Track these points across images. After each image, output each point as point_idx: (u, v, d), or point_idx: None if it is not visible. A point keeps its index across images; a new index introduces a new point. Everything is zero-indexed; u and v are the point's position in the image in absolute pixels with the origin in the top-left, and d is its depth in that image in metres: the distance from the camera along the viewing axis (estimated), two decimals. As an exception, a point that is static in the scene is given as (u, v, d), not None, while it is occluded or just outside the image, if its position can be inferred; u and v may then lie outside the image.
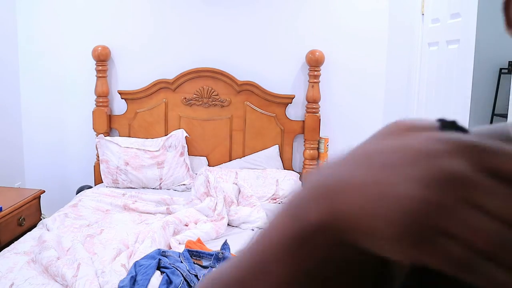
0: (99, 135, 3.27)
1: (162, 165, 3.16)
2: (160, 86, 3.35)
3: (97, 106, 3.37)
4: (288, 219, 0.35)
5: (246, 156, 3.38)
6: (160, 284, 1.71)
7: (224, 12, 3.36)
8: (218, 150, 3.40)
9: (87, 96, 3.43)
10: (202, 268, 1.91)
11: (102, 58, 3.30)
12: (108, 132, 3.40)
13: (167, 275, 1.76)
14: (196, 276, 1.81)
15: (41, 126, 3.53)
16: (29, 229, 2.53)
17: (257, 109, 3.35)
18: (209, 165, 3.35)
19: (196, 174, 3.16)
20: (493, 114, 3.85)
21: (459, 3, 2.38)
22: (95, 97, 3.37)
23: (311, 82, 3.28)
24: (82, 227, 2.43)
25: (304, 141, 3.38)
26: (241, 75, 3.35)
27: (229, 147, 3.40)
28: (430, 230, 0.28)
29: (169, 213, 2.65)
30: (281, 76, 3.40)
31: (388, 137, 0.35)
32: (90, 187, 3.30)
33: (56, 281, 1.86)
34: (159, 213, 2.69)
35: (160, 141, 3.25)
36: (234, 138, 3.39)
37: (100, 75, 3.33)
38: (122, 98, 3.40)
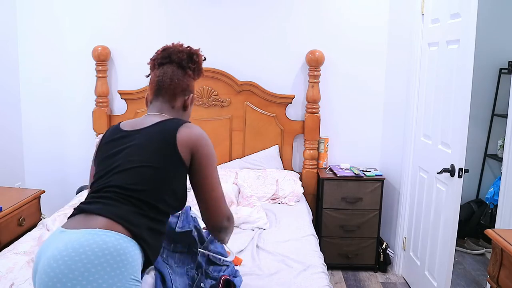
0: (99, 135, 3.27)
1: (162, 165, 3.16)
2: (160, 86, 3.34)
3: (97, 106, 3.37)
4: None
5: (246, 156, 3.38)
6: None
7: (224, 13, 3.36)
8: (218, 150, 3.40)
9: (87, 96, 3.43)
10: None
11: (102, 58, 3.30)
12: (108, 132, 3.39)
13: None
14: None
15: (41, 126, 3.53)
16: (29, 229, 2.53)
17: (257, 109, 3.35)
18: (209, 165, 3.34)
19: (196, 174, 3.16)
20: (493, 114, 3.84)
21: (459, 3, 2.38)
22: (95, 97, 3.37)
23: (311, 82, 3.28)
24: (82, 227, 2.43)
25: (304, 141, 3.38)
26: (241, 75, 3.35)
27: (229, 147, 3.40)
28: None
29: (169, 213, 2.65)
30: (281, 76, 3.40)
31: None
32: (90, 187, 3.30)
33: (56, 281, 1.86)
34: (159, 213, 2.69)
35: (160, 141, 3.24)
36: (234, 138, 3.39)
37: (100, 75, 3.34)
38: (122, 98, 3.40)
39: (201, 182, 1.50)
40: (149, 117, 1.58)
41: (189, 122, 1.59)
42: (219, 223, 1.51)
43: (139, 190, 1.40)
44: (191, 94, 1.67)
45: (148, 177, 1.42)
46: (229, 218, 1.54)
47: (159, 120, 1.53)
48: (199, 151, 1.48)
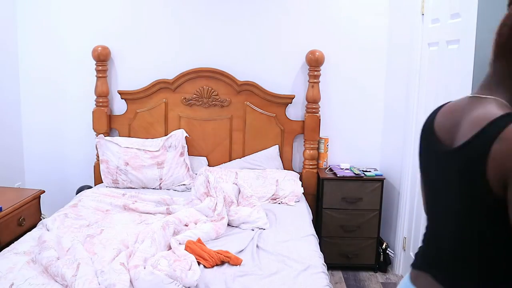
0: (99, 135, 3.27)
1: (162, 165, 3.16)
2: (160, 86, 3.35)
3: (97, 106, 3.37)
4: None
5: (246, 156, 3.38)
6: None
7: (224, 13, 3.36)
8: (218, 150, 3.40)
9: (87, 96, 3.43)
10: None
11: (102, 58, 3.30)
12: (108, 132, 3.40)
13: None
14: None
15: (41, 126, 3.53)
16: (29, 229, 2.53)
17: (257, 109, 3.35)
18: (209, 165, 3.35)
19: (196, 174, 3.16)
20: (493, 114, 3.84)
21: (459, 3, 2.38)
22: (95, 97, 3.37)
23: (311, 82, 3.28)
24: (82, 227, 2.43)
25: (304, 141, 3.38)
26: (241, 75, 3.35)
27: (229, 147, 3.40)
28: None
29: (169, 213, 2.65)
30: (281, 76, 3.40)
31: None
32: (90, 187, 3.30)
33: (56, 281, 1.86)
34: (159, 213, 2.69)
35: (160, 141, 3.25)
36: (234, 138, 3.39)
37: (100, 75, 3.33)
38: (122, 98, 3.40)
39: None
40: (474, 104, 0.98)
41: None
42: None
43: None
44: None
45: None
46: None
47: (489, 120, 0.90)
48: None
